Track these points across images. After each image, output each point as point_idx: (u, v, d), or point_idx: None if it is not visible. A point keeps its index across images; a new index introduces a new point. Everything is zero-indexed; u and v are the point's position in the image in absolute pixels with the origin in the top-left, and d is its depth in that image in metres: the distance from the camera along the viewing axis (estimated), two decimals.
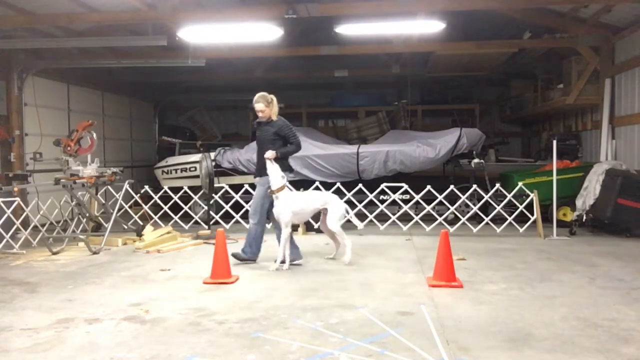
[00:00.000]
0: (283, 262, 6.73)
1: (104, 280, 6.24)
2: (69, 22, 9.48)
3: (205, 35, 9.31)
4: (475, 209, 9.65)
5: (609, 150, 10.35)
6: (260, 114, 6.86)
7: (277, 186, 6.71)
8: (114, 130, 14.07)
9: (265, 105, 6.79)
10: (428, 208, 9.58)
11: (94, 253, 7.79)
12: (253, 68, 14.00)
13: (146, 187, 10.16)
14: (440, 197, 9.46)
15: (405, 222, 9.43)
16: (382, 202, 9.67)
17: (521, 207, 9.22)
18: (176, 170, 11.29)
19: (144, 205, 10.00)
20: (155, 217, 9.83)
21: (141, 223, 9.03)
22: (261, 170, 6.88)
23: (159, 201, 9.96)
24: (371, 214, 9.69)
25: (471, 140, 10.15)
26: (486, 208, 9.73)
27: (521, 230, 9.00)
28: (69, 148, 8.15)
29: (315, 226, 9.45)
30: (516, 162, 12.30)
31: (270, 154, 6.69)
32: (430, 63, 12.43)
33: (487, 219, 9.35)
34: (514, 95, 14.92)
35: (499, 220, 9.30)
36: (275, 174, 6.71)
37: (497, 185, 9.68)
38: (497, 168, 11.21)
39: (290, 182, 10.17)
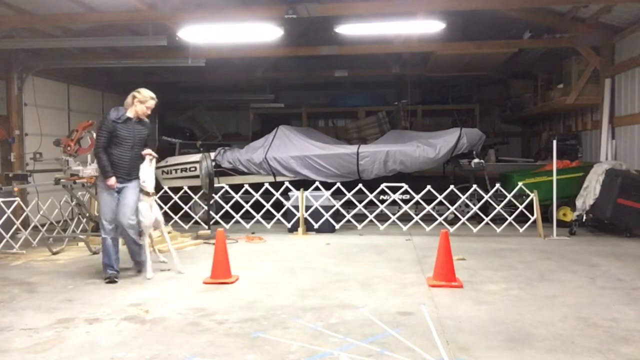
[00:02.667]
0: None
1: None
2: (69, 22, 9.49)
3: (205, 35, 9.31)
4: (475, 209, 9.66)
5: (609, 150, 10.34)
6: (148, 112, 6.30)
7: (153, 189, 6.34)
8: None
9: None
10: (428, 208, 9.58)
11: (94, 253, 7.78)
12: (253, 68, 13.99)
13: None
14: (440, 197, 9.46)
15: (405, 222, 9.43)
16: (382, 202, 9.67)
17: (521, 207, 9.22)
18: (176, 170, 11.29)
19: None
20: None
21: None
22: (133, 172, 6.25)
23: (158, 201, 9.94)
24: (371, 214, 9.69)
25: (471, 140, 10.15)
26: (486, 208, 9.73)
27: (521, 230, 9.00)
28: (69, 148, 8.14)
29: (315, 226, 9.47)
30: (516, 162, 12.29)
31: (151, 153, 6.32)
32: (430, 63, 12.42)
33: (487, 219, 9.35)
34: (514, 95, 14.90)
35: (499, 220, 9.30)
36: (153, 177, 6.30)
37: (497, 185, 9.68)
38: (497, 168, 11.21)
39: (291, 182, 10.27)
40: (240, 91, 16.25)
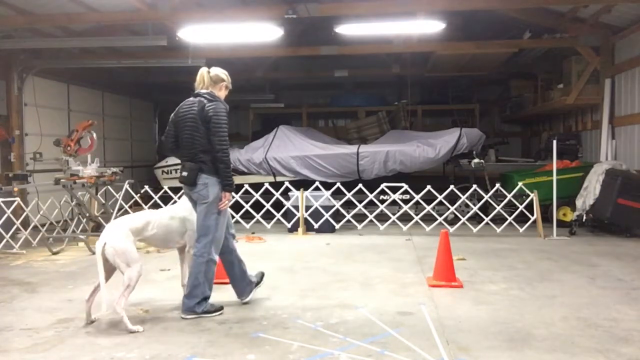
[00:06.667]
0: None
1: None
2: (69, 22, 9.49)
3: (205, 35, 9.31)
4: (475, 209, 9.65)
5: (609, 150, 10.35)
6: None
7: None
8: (114, 130, 14.07)
9: None
10: (428, 208, 9.58)
11: (94, 253, 7.78)
12: (253, 68, 14.00)
13: (146, 187, 10.16)
14: (440, 197, 9.46)
15: (405, 222, 9.43)
16: (382, 202, 9.67)
17: (521, 207, 9.22)
18: (176, 170, 11.28)
19: (144, 205, 9.99)
20: None
21: None
22: None
23: (159, 201, 9.96)
24: (371, 214, 9.69)
25: (471, 140, 10.16)
26: (486, 208, 9.73)
27: (521, 230, 9.00)
28: (69, 148, 8.15)
29: (315, 226, 9.47)
30: (516, 162, 12.30)
31: None
32: (430, 63, 12.43)
33: (487, 219, 9.35)
34: (514, 95, 14.91)
35: (499, 220, 9.30)
36: None
37: (497, 185, 9.68)
38: (497, 168, 11.22)
39: (291, 182, 10.27)
40: (240, 91, 16.20)
